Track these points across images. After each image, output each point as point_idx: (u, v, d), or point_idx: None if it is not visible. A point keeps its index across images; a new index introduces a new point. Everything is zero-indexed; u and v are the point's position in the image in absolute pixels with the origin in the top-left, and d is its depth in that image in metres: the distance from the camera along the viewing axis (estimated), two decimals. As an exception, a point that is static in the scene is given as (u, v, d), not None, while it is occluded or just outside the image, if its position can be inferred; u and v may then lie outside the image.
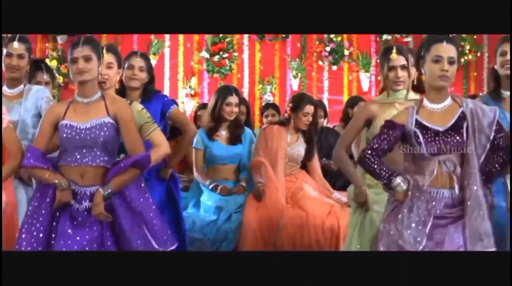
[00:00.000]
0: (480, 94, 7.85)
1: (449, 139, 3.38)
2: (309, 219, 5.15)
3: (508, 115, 3.90)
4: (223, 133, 5.47)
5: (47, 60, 7.53)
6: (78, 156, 3.56)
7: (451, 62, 3.39)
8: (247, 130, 5.60)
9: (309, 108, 5.42)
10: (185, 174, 5.81)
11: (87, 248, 3.45)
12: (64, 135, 3.58)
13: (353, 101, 6.59)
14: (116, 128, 3.59)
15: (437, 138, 3.38)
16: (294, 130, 5.51)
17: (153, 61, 8.59)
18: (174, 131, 4.97)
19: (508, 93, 4.06)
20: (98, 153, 3.56)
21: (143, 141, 3.91)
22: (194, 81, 8.89)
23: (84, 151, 3.55)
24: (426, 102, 3.47)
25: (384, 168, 3.41)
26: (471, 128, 3.38)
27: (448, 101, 3.46)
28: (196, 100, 8.77)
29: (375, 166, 3.41)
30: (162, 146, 3.94)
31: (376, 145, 3.42)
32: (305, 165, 5.64)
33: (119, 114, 3.59)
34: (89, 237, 3.48)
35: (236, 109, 5.41)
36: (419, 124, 3.40)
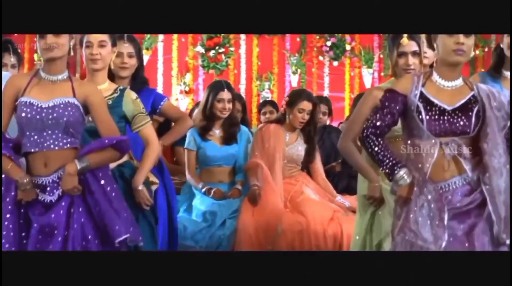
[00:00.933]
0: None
1: (455, 120, 3.07)
2: (309, 225, 4.96)
3: (506, 93, 3.69)
4: (217, 132, 5.29)
5: (35, 55, 7.41)
6: (38, 140, 3.24)
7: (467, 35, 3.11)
8: (243, 128, 5.42)
9: (306, 105, 5.23)
10: (176, 176, 5.57)
11: (55, 232, 3.17)
12: (23, 115, 3.25)
13: None
14: (81, 112, 3.30)
15: (442, 117, 3.07)
16: (292, 128, 5.34)
17: (146, 57, 8.61)
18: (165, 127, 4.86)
19: (509, 73, 3.93)
20: (60, 135, 3.26)
21: (130, 134, 3.77)
22: (188, 77, 8.87)
23: (44, 134, 3.24)
24: (435, 76, 3.15)
25: (388, 155, 3.10)
26: (488, 107, 3.07)
27: (460, 81, 3.15)
28: (191, 97, 8.78)
29: (378, 150, 3.11)
30: (153, 145, 3.82)
31: (380, 122, 3.11)
32: (306, 166, 5.48)
33: (90, 98, 3.31)
34: (55, 216, 3.18)
35: (229, 106, 5.21)
36: (423, 98, 3.09)
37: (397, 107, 3.10)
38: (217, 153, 5.23)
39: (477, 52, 8.95)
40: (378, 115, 3.13)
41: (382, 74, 9.07)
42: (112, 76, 4.18)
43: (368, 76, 9.04)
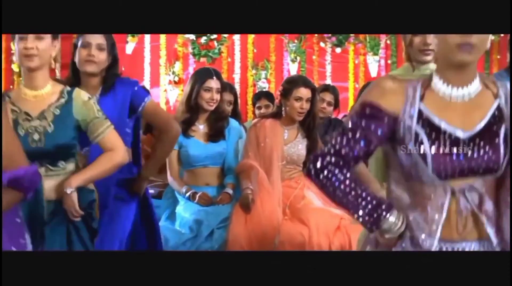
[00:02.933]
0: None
1: (474, 154, 2.15)
2: (312, 236, 4.60)
3: None
4: (201, 127, 4.85)
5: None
6: None
7: None
8: (233, 123, 5.00)
9: (303, 92, 4.81)
10: (158, 177, 5.23)
11: None
12: None
13: None
14: None
15: (454, 150, 2.16)
16: (291, 122, 4.93)
17: (132, 44, 8.59)
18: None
19: None
20: None
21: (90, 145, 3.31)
22: (178, 66, 8.67)
23: None
24: (437, 83, 2.20)
25: (364, 194, 2.17)
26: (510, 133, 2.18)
27: (476, 85, 2.20)
28: (181, 88, 8.60)
29: (346, 188, 2.14)
30: (118, 152, 3.24)
31: (346, 149, 2.15)
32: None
33: None
34: None
35: (217, 96, 4.78)
36: (424, 120, 2.16)
37: (378, 133, 2.16)
38: (202, 152, 4.82)
39: (492, 37, 8.55)
40: (344, 138, 2.17)
41: (389, 61, 9.01)
42: (77, 75, 3.77)
43: (373, 64, 8.96)
